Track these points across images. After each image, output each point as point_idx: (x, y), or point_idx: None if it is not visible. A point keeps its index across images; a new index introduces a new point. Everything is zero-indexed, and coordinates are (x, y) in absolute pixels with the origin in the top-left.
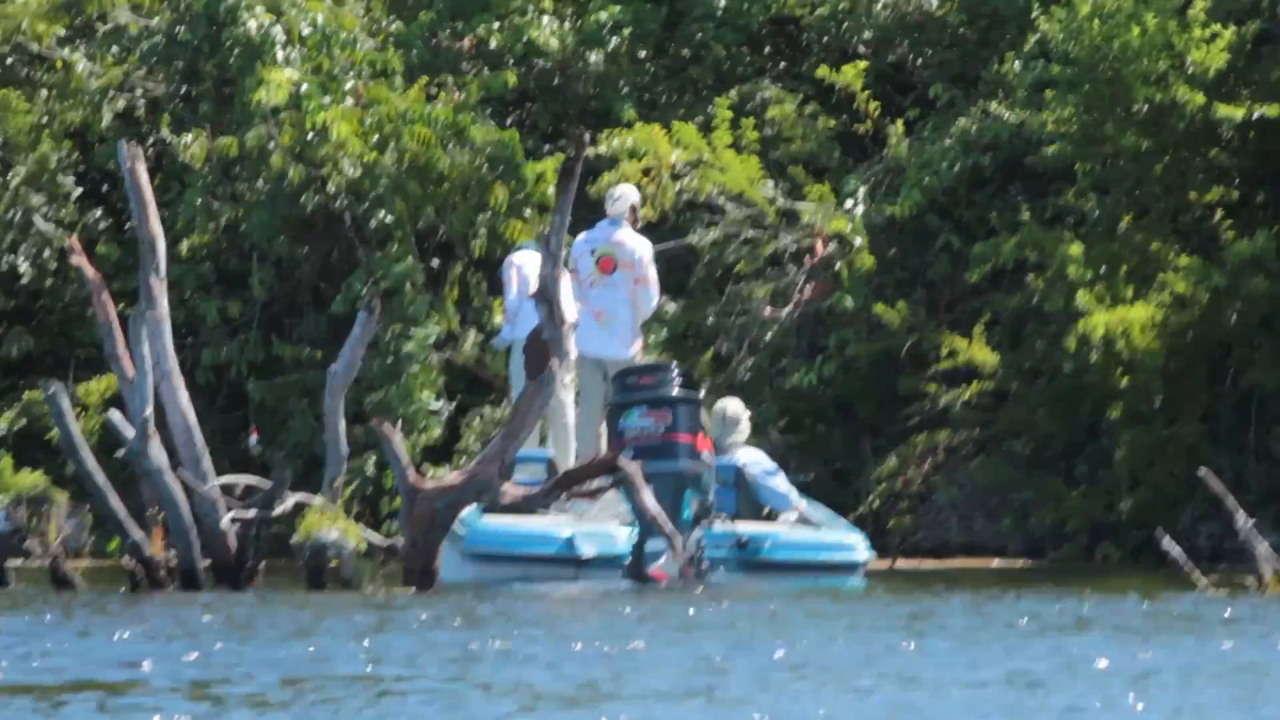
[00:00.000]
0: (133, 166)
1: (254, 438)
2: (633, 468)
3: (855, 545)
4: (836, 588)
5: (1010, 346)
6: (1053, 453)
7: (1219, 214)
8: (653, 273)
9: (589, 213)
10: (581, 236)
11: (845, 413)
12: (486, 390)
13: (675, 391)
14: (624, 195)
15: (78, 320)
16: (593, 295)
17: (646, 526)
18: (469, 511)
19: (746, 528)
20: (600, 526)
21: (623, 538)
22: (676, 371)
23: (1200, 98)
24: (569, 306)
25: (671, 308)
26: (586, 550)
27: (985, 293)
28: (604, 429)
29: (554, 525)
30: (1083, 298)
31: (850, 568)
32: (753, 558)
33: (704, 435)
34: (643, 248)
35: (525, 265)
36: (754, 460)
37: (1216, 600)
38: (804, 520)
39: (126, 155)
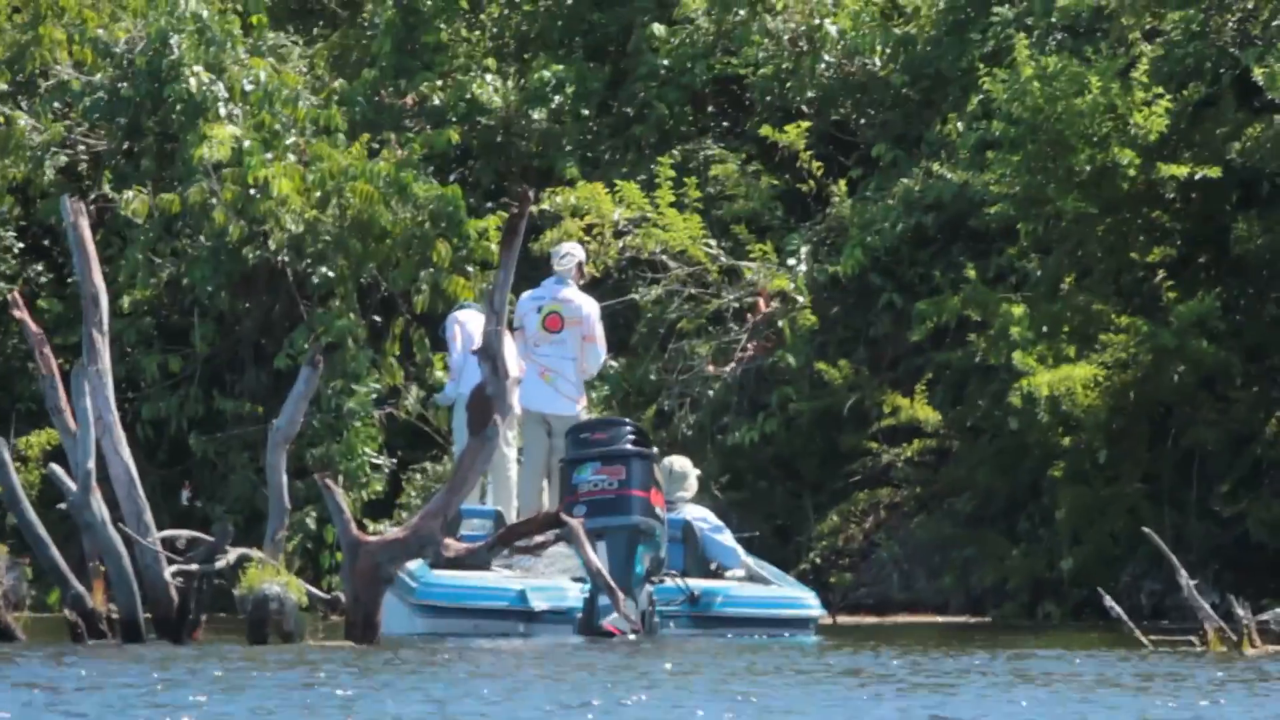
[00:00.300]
0: (75, 221)
1: (186, 492)
2: (575, 523)
3: (807, 601)
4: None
5: (952, 404)
6: (994, 510)
7: (1160, 274)
8: (600, 330)
9: (530, 269)
10: (527, 294)
11: (787, 470)
12: (428, 445)
13: (629, 447)
14: (570, 253)
15: (18, 374)
16: (539, 353)
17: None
18: (417, 565)
19: (698, 583)
20: (551, 581)
21: (574, 592)
22: (630, 427)
23: (1137, 159)
24: (512, 363)
25: (614, 365)
26: (538, 604)
27: (927, 351)
28: (547, 484)
29: (505, 579)
30: (1019, 359)
31: (802, 623)
32: (704, 613)
33: (657, 491)
34: (589, 305)
35: (468, 322)
36: (701, 516)
37: (1164, 659)
38: (751, 577)
39: (69, 210)
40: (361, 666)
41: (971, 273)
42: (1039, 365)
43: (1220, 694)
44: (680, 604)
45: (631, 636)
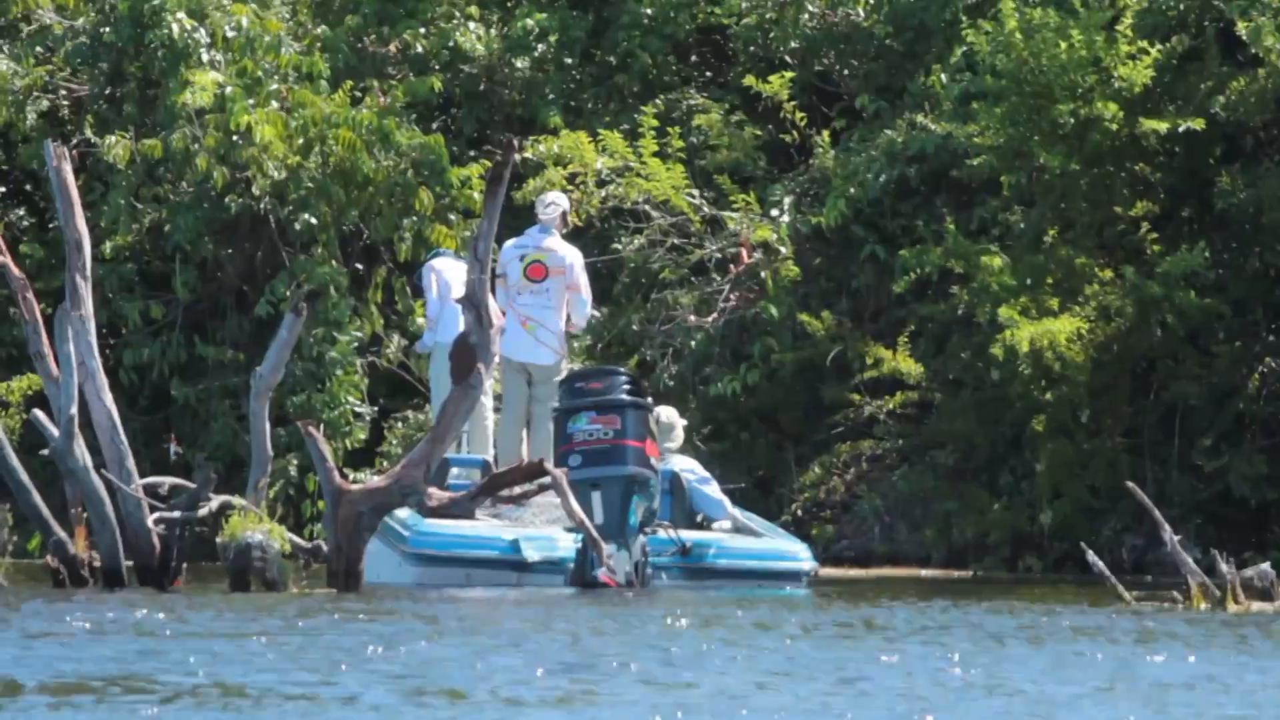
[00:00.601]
0: (58, 166)
1: (174, 447)
2: (559, 473)
3: (799, 554)
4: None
5: (934, 357)
6: (976, 464)
7: (1144, 228)
8: (584, 280)
9: (513, 218)
10: (511, 242)
11: (769, 421)
12: (410, 394)
13: (624, 397)
14: (555, 202)
15: None
16: (520, 302)
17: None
18: (409, 514)
19: (689, 535)
20: (543, 531)
21: (566, 543)
22: (625, 376)
23: (1120, 113)
24: (494, 311)
25: (597, 314)
26: (531, 555)
27: (910, 303)
28: (526, 434)
29: (497, 528)
30: (1004, 311)
31: (794, 576)
32: (696, 564)
33: (652, 441)
34: (573, 255)
35: (445, 270)
36: (688, 467)
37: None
38: (738, 528)
39: (52, 155)
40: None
41: (951, 225)
42: (1021, 318)
43: (1208, 650)
44: (672, 555)
45: (626, 588)
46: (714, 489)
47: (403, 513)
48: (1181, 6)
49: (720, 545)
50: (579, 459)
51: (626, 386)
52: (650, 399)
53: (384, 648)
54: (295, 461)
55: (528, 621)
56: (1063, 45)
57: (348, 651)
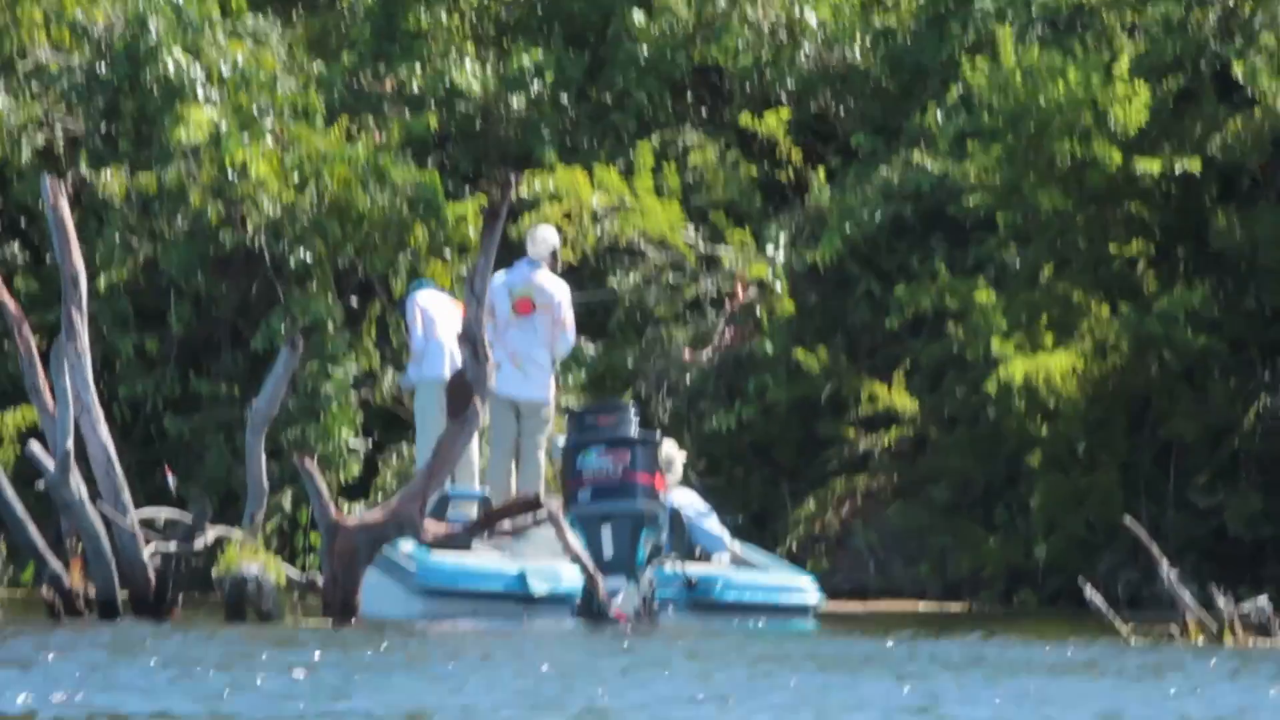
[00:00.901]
0: (55, 202)
1: (171, 478)
2: (554, 506)
3: (805, 587)
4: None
5: (930, 393)
6: (971, 499)
7: (1141, 265)
8: (570, 316)
9: (508, 255)
10: (499, 277)
11: (764, 456)
12: (404, 428)
13: (634, 432)
14: (545, 238)
15: None
16: (509, 336)
17: (601, 565)
18: (414, 548)
19: (696, 569)
20: (550, 564)
21: (573, 576)
22: (633, 411)
23: (1118, 154)
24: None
25: (590, 350)
26: (538, 588)
27: (905, 340)
28: (515, 469)
29: (503, 562)
30: (997, 345)
31: (800, 610)
32: (703, 598)
33: (660, 475)
34: (561, 291)
35: (430, 305)
36: (688, 502)
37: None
38: (737, 562)
39: (50, 191)
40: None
41: (941, 265)
42: (1015, 352)
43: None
44: (678, 589)
45: (636, 622)
46: (714, 523)
47: (407, 546)
48: (1178, 48)
49: (727, 579)
50: (589, 494)
51: (636, 422)
52: (657, 433)
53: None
54: (289, 494)
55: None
56: (1059, 85)
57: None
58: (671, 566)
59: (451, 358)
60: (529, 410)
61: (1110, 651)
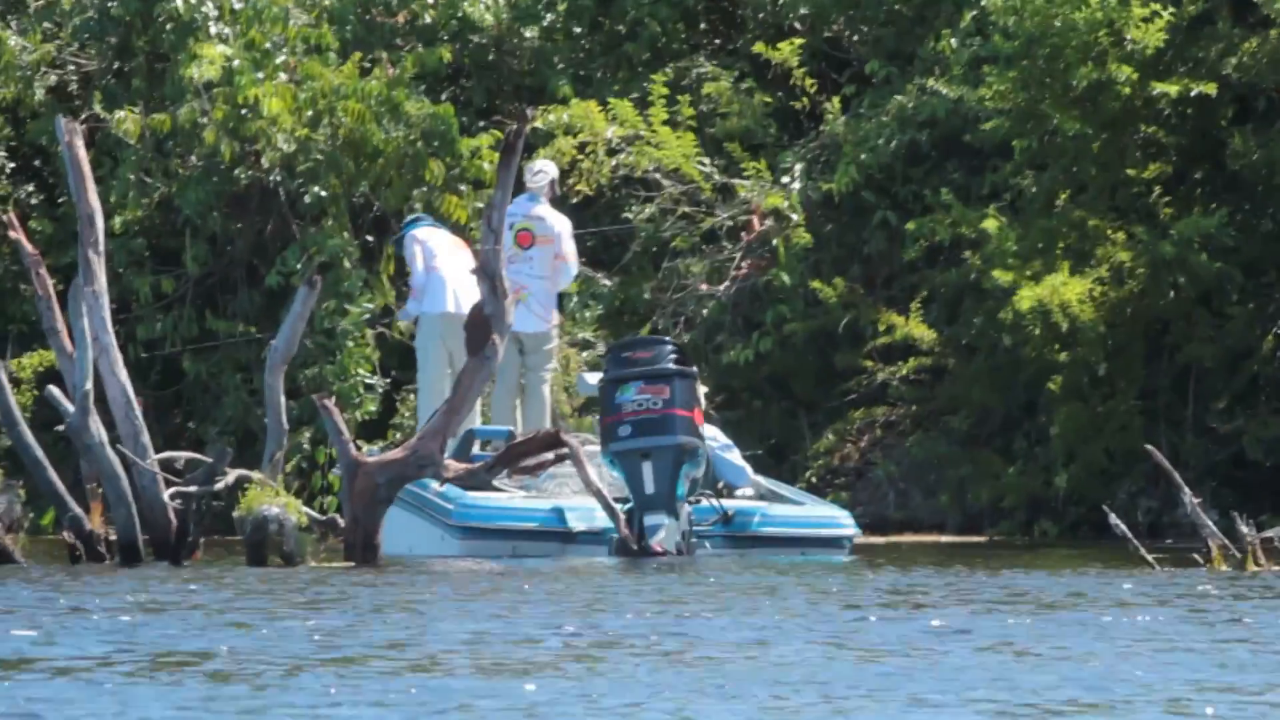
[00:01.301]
0: (70, 141)
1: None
2: (575, 442)
3: (841, 519)
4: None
5: (947, 322)
6: (990, 429)
7: (1158, 190)
8: (571, 248)
9: (522, 189)
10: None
11: (782, 389)
12: None
13: (672, 365)
14: (543, 170)
15: (10, 295)
16: (509, 269)
17: (642, 501)
18: (448, 487)
19: (731, 502)
20: (584, 501)
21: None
22: (671, 345)
23: (1135, 75)
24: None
25: (607, 283)
26: (575, 525)
27: (922, 269)
28: (519, 403)
29: (538, 499)
30: (1000, 276)
31: (836, 542)
32: (739, 532)
33: (699, 409)
34: (561, 223)
35: (428, 239)
36: (710, 435)
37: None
38: (761, 495)
39: (64, 130)
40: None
41: (947, 194)
42: (1024, 279)
43: (1247, 612)
44: (713, 523)
45: (676, 556)
46: (736, 456)
47: (435, 485)
48: None
49: (763, 512)
50: (629, 429)
51: (674, 356)
52: (695, 367)
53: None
54: (308, 435)
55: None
56: (1077, 7)
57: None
58: (708, 501)
59: (454, 292)
60: (532, 343)
61: (1153, 581)
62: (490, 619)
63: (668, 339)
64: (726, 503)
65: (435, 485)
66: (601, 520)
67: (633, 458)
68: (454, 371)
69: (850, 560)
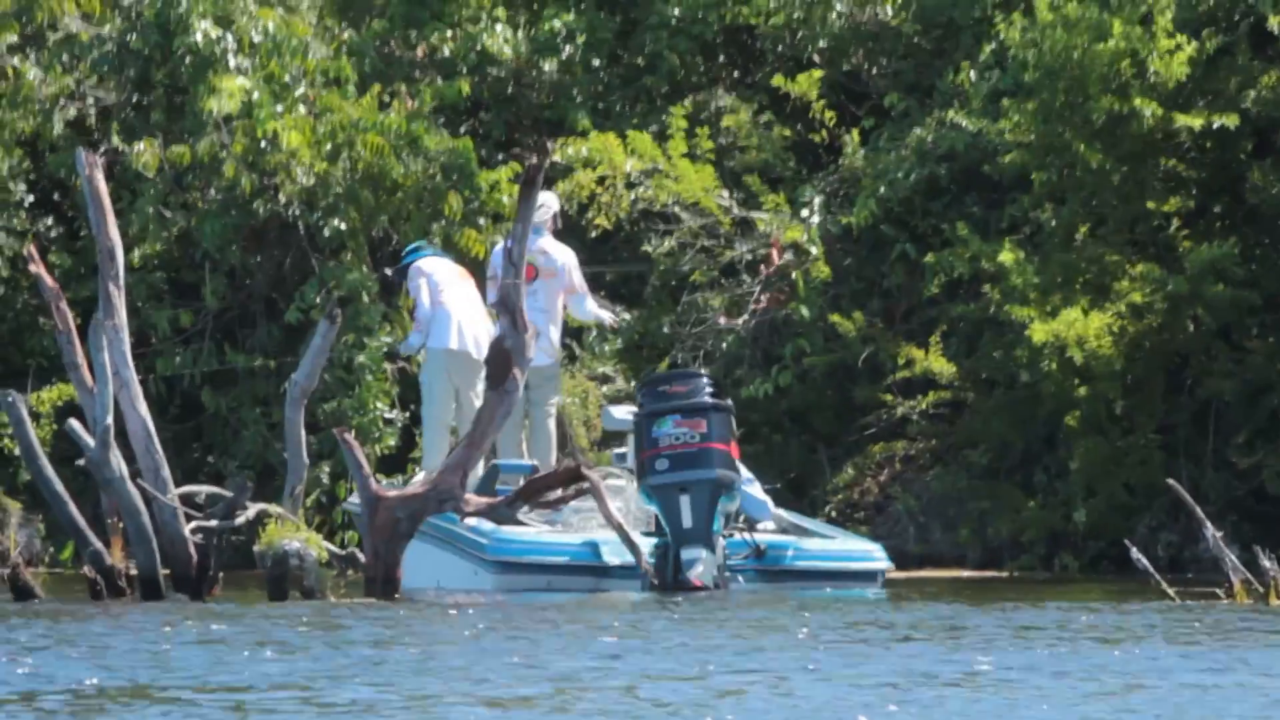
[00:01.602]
0: (90, 174)
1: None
2: (595, 476)
3: (874, 553)
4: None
5: (967, 356)
6: (1010, 463)
7: (1175, 224)
8: (579, 279)
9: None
10: (502, 244)
11: (801, 423)
12: None
13: (708, 399)
14: (546, 203)
15: (29, 329)
16: None
17: (679, 535)
18: (477, 521)
19: (764, 537)
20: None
21: (644, 547)
22: (706, 379)
23: (1159, 108)
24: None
25: (627, 317)
26: (610, 559)
27: (941, 303)
28: (525, 438)
29: (575, 535)
30: (1017, 311)
31: (869, 576)
32: (772, 566)
33: (735, 443)
34: (565, 255)
35: (434, 272)
36: None
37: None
38: (783, 529)
39: (84, 164)
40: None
41: (963, 229)
42: (1038, 313)
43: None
44: (745, 557)
45: (714, 590)
46: (757, 489)
47: (473, 520)
48: (1213, 2)
49: (796, 547)
50: (666, 463)
51: (710, 390)
52: (730, 401)
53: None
54: (327, 469)
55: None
56: (1099, 39)
57: None
58: (741, 534)
59: (459, 326)
60: (536, 377)
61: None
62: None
63: (703, 372)
64: (758, 537)
65: (468, 520)
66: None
67: (670, 491)
68: (459, 407)
69: (881, 594)
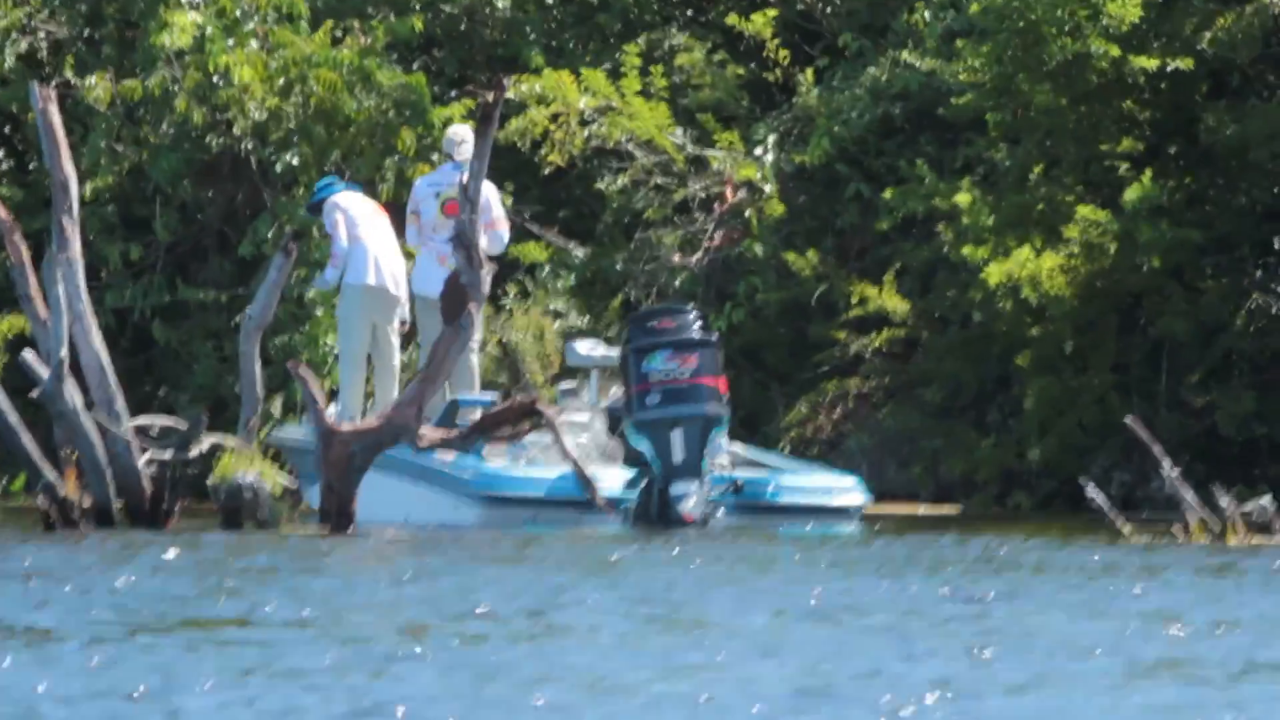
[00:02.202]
0: (45, 108)
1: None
2: (551, 412)
3: (852, 489)
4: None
5: (920, 294)
6: (963, 401)
7: (1128, 165)
8: (500, 213)
9: (495, 158)
10: (424, 179)
11: (754, 360)
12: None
13: (698, 334)
14: (466, 139)
15: None
16: (436, 239)
17: (669, 470)
18: (463, 456)
19: (743, 472)
20: (606, 469)
21: (626, 480)
22: (695, 313)
23: (1115, 50)
24: (399, 249)
25: (580, 254)
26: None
27: (895, 241)
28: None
29: (556, 467)
30: (969, 251)
31: (846, 512)
32: (751, 501)
33: (724, 378)
34: (488, 190)
35: (350, 207)
36: None
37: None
38: (734, 463)
39: (39, 97)
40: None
41: (923, 166)
42: (995, 255)
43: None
44: (724, 492)
45: (702, 525)
46: None
47: (447, 455)
48: None
49: (775, 482)
50: (658, 398)
51: (699, 324)
52: (717, 335)
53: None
54: (279, 401)
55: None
56: None
57: None
58: (720, 469)
59: (375, 262)
60: None
61: (1125, 551)
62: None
63: (691, 306)
64: (739, 471)
65: (444, 455)
66: (622, 489)
67: (661, 427)
68: (375, 342)
69: (858, 529)
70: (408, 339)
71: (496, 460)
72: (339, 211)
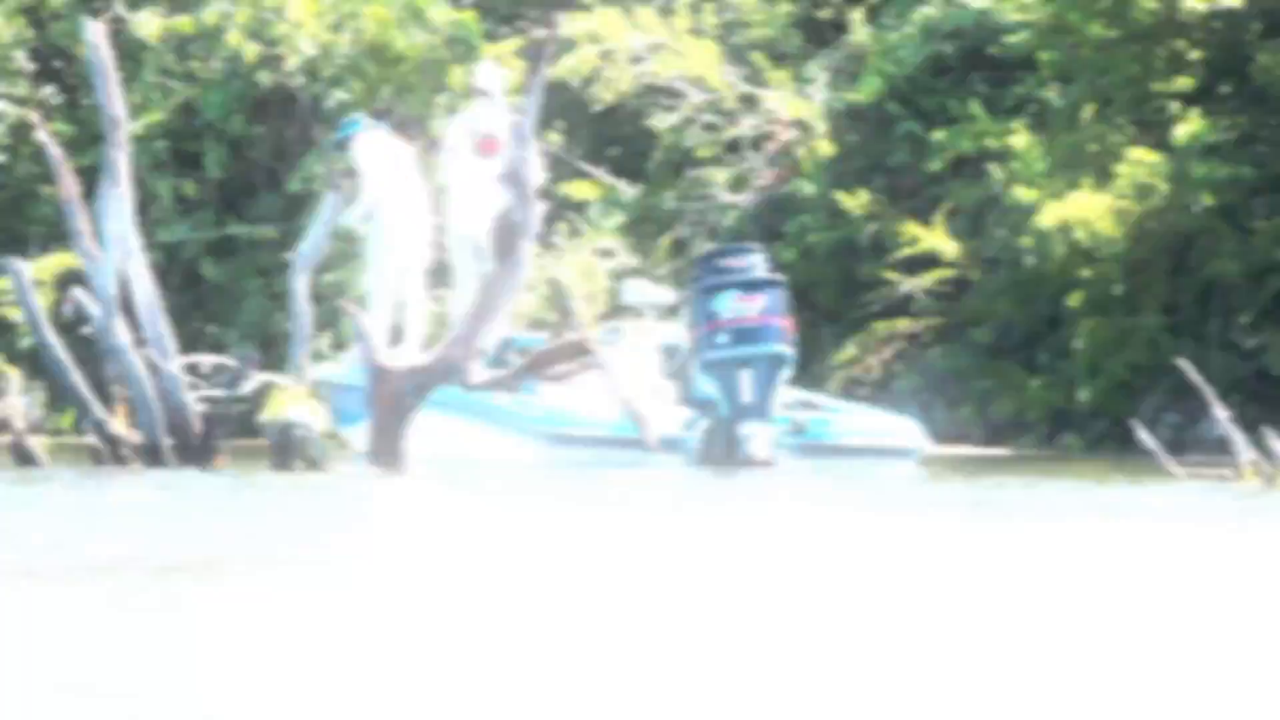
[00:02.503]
0: (96, 44)
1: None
2: (603, 350)
3: (911, 430)
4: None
5: (971, 235)
6: (1013, 342)
7: (1182, 103)
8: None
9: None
10: (458, 116)
11: (804, 299)
12: (441, 273)
13: (766, 274)
14: (497, 75)
15: (29, 198)
16: (473, 177)
17: (737, 410)
18: (521, 396)
19: (805, 413)
20: (669, 408)
21: (678, 421)
22: (762, 253)
23: None
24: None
25: (630, 192)
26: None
27: (946, 181)
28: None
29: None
30: (1023, 192)
31: (906, 453)
32: (812, 442)
33: (791, 318)
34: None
35: (383, 147)
36: None
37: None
38: (800, 404)
39: (91, 33)
40: None
41: (977, 107)
42: (1049, 197)
43: None
44: (784, 432)
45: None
46: None
47: (507, 394)
48: None
49: (835, 423)
50: (727, 337)
51: (766, 264)
52: (783, 275)
53: None
54: (327, 339)
55: None
56: None
57: None
58: (781, 410)
59: (407, 203)
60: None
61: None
62: None
63: (757, 246)
64: (799, 413)
65: (504, 395)
66: (679, 429)
67: (730, 366)
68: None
69: (918, 470)
70: (441, 279)
71: (557, 399)
72: (372, 149)
